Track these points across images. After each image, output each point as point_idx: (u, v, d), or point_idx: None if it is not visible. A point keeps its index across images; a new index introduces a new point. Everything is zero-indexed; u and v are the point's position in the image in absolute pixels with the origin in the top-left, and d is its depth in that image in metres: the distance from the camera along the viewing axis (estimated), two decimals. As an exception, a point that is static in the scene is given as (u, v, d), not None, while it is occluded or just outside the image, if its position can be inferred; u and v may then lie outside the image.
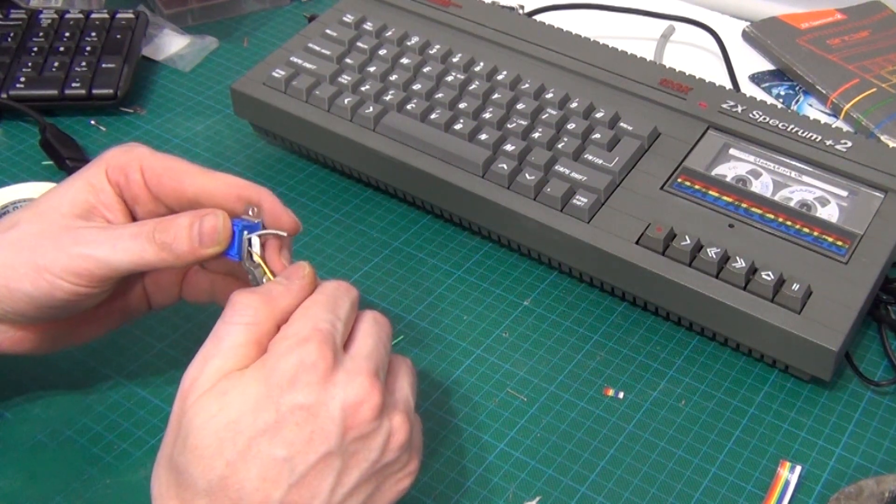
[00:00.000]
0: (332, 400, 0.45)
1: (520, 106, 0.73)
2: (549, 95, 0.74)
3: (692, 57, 0.92)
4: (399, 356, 0.52)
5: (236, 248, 0.52)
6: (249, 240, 0.52)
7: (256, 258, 0.52)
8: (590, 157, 0.69)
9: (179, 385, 0.46)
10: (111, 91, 0.82)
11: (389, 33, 0.80)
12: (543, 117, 0.72)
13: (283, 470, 0.44)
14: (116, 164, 0.54)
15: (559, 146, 0.70)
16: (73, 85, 0.82)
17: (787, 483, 0.56)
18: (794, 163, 0.70)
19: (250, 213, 0.53)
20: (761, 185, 0.69)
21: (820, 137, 0.70)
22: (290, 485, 0.44)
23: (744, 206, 0.66)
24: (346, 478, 0.45)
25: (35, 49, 0.85)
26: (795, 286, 0.61)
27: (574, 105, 0.73)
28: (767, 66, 0.92)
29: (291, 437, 0.44)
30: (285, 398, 0.44)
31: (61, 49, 0.85)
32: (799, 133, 0.71)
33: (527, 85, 0.75)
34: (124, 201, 0.54)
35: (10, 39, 0.86)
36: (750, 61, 0.92)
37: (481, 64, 0.77)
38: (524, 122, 0.72)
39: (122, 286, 0.56)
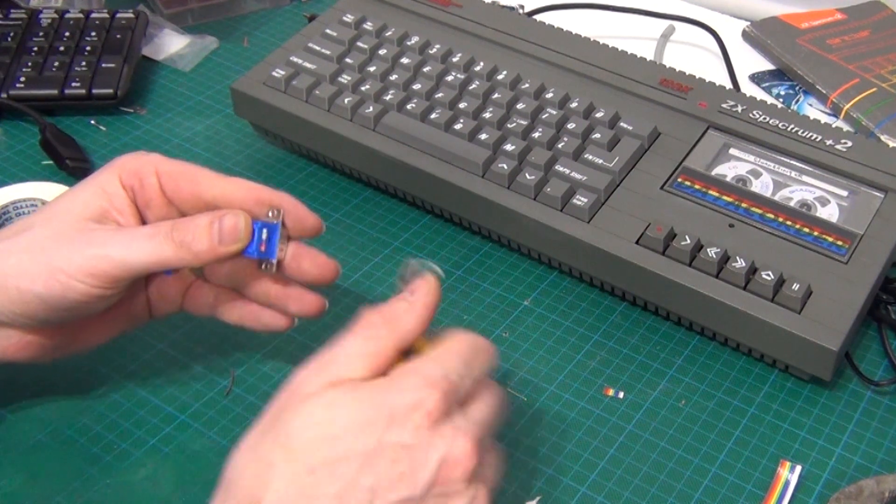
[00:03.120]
0: (434, 450, 0.44)
1: (520, 106, 0.73)
2: (549, 95, 0.74)
3: (692, 57, 0.92)
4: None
5: (255, 247, 0.52)
6: (269, 259, 0.53)
7: (279, 255, 0.54)
8: (590, 157, 0.69)
9: (289, 381, 0.46)
10: (111, 91, 0.82)
11: (389, 33, 0.80)
12: (543, 117, 0.72)
13: (362, 498, 0.43)
14: (130, 168, 0.54)
15: (559, 146, 0.70)
16: (73, 85, 0.82)
17: (787, 483, 0.56)
18: (794, 163, 0.70)
19: (270, 214, 0.54)
20: (761, 185, 0.69)
21: (820, 137, 0.70)
22: None
23: (744, 205, 0.66)
24: None
25: (35, 49, 0.85)
26: (795, 286, 0.61)
27: (574, 105, 0.73)
28: (767, 65, 0.92)
29: (382, 471, 0.43)
30: (392, 432, 0.44)
31: (61, 49, 0.85)
32: (799, 133, 0.71)
33: (527, 85, 0.75)
34: (136, 207, 0.55)
35: (10, 39, 0.86)
36: (750, 61, 0.92)
37: (481, 64, 0.77)
38: (524, 122, 0.72)
39: (126, 293, 0.55)
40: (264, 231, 0.53)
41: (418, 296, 0.49)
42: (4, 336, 0.53)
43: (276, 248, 0.54)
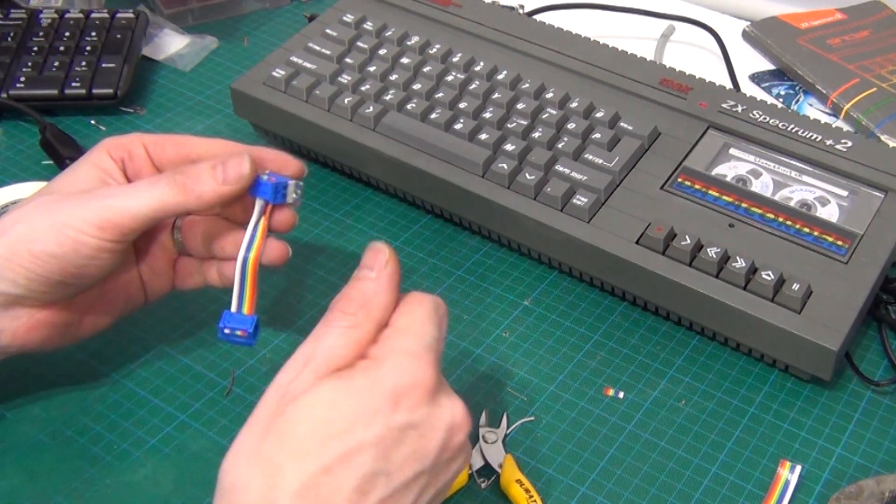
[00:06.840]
0: (440, 422, 0.46)
1: (520, 105, 0.73)
2: (549, 95, 0.74)
3: (692, 57, 0.92)
4: None
5: (270, 193, 0.54)
6: (285, 184, 0.54)
7: (293, 196, 0.55)
8: (590, 157, 0.69)
9: (274, 380, 0.46)
10: (111, 91, 0.82)
11: (389, 33, 0.80)
12: (543, 117, 0.72)
13: (379, 484, 0.44)
14: (117, 144, 0.57)
15: (559, 146, 0.70)
16: (73, 84, 0.82)
17: (787, 483, 0.56)
18: (794, 162, 0.70)
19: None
20: (761, 185, 0.69)
21: (820, 137, 0.70)
22: (380, 498, 0.44)
23: (744, 205, 0.66)
24: (426, 494, 0.46)
25: (35, 49, 0.85)
26: (795, 286, 0.61)
27: (574, 105, 0.73)
28: (767, 65, 0.92)
29: (394, 454, 0.45)
30: (398, 414, 0.45)
31: (61, 49, 0.85)
32: (799, 133, 0.71)
33: (527, 85, 0.75)
34: (128, 179, 0.57)
35: (10, 39, 0.86)
36: (750, 61, 0.92)
37: (481, 64, 0.77)
38: (524, 122, 0.72)
39: (120, 269, 0.56)
40: (266, 176, 0.54)
41: (380, 270, 0.49)
42: (14, 316, 0.54)
43: (286, 178, 0.55)
